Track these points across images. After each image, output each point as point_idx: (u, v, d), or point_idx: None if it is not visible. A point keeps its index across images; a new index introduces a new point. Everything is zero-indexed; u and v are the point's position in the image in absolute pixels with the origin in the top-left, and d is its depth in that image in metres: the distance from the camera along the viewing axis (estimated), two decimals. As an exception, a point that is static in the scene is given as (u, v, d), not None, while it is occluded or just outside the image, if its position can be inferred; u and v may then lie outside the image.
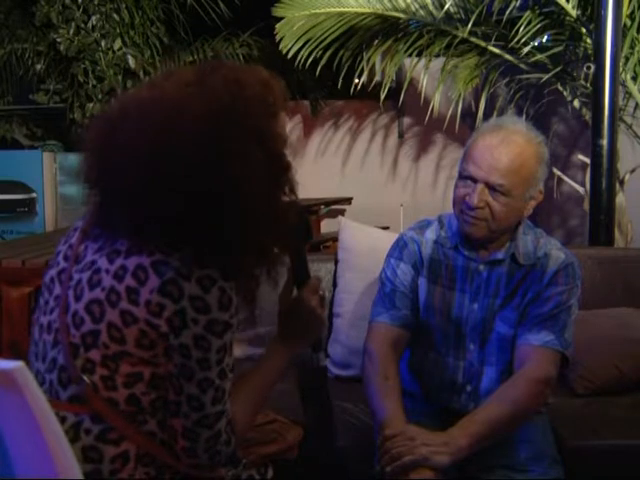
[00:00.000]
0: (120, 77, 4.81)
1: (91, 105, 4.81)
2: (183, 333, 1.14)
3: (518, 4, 3.98)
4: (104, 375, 1.17)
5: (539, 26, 3.94)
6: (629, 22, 3.76)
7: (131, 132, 1.16)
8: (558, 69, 3.94)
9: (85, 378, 1.17)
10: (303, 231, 1.37)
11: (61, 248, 1.30)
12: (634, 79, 3.91)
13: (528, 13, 3.98)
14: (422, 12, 4.24)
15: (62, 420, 1.14)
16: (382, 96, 4.41)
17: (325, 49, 4.31)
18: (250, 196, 1.18)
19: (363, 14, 4.29)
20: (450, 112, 4.26)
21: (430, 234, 1.86)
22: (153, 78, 1.26)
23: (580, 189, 4.14)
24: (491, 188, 1.67)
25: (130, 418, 1.18)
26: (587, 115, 3.97)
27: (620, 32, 3.24)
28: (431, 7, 4.21)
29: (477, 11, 3.99)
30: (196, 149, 1.15)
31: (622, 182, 3.99)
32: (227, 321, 1.17)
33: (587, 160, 3.58)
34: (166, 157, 1.15)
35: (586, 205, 3.86)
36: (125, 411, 1.18)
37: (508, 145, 1.67)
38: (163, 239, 1.17)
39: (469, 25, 4.03)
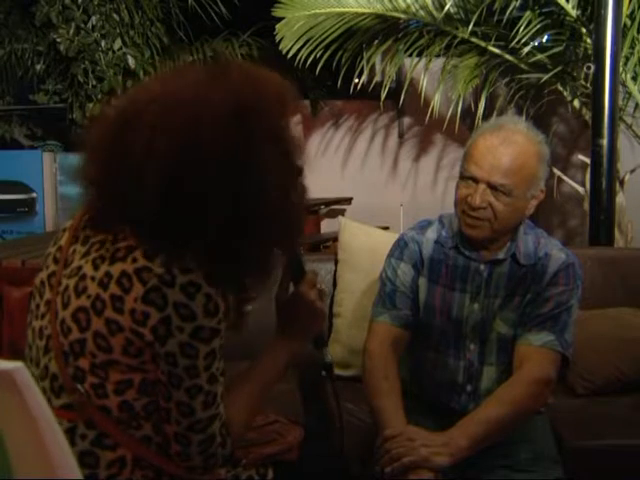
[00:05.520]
0: (120, 77, 4.81)
1: (91, 105, 4.80)
2: (169, 341, 1.12)
3: (518, 4, 3.98)
4: (94, 383, 1.15)
5: (539, 26, 3.94)
6: (629, 22, 3.76)
7: (150, 129, 1.13)
8: (558, 69, 3.94)
9: (79, 387, 1.15)
10: (297, 227, 1.36)
11: (51, 250, 1.28)
12: (634, 79, 3.91)
13: (528, 13, 3.98)
14: (422, 12, 4.23)
15: None
16: (382, 96, 4.41)
17: (325, 49, 4.30)
18: (267, 195, 1.16)
19: (363, 14, 4.28)
20: (450, 112, 4.26)
21: (431, 234, 1.86)
22: (161, 75, 1.23)
23: (580, 189, 4.14)
24: (493, 188, 1.67)
25: (124, 424, 1.17)
26: (587, 115, 3.97)
27: (620, 32, 3.24)
28: (431, 7, 4.21)
29: (477, 11, 3.99)
30: (222, 145, 1.13)
31: (622, 182, 3.99)
32: (214, 327, 1.14)
33: (587, 160, 3.58)
34: (189, 153, 1.12)
35: (586, 205, 3.86)
36: (118, 418, 1.16)
37: (509, 145, 1.67)
38: (169, 240, 1.15)
39: (469, 25, 4.03)
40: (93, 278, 1.16)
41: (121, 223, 1.18)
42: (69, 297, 1.18)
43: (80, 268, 1.18)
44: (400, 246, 1.88)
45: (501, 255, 1.78)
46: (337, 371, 2.29)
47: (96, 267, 1.16)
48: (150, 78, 1.45)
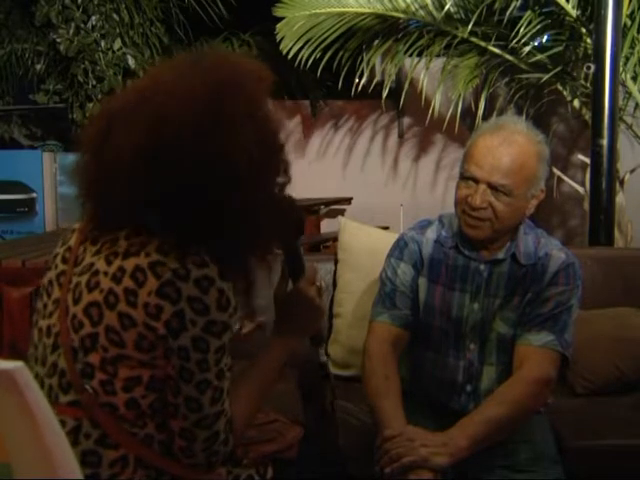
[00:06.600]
0: (120, 77, 4.81)
1: (91, 105, 4.80)
2: (182, 335, 1.13)
3: (518, 4, 3.98)
4: (103, 379, 1.15)
5: (539, 26, 3.94)
6: (629, 22, 3.77)
7: (130, 118, 1.15)
8: (558, 69, 3.94)
9: (87, 386, 1.16)
10: (295, 223, 1.35)
11: (59, 250, 1.28)
12: (634, 79, 3.91)
13: (528, 13, 3.98)
14: (422, 12, 4.24)
15: (61, 424, 1.13)
16: (384, 97, 4.41)
17: (325, 49, 4.30)
18: (241, 177, 1.16)
19: (363, 14, 4.29)
20: (450, 112, 4.26)
21: (431, 234, 1.86)
22: (150, 69, 1.27)
23: (580, 189, 4.14)
24: (493, 188, 1.67)
25: (129, 423, 1.17)
26: (587, 115, 3.97)
27: (620, 32, 3.24)
28: (431, 7, 4.21)
29: (477, 11, 3.99)
30: (195, 119, 1.13)
31: (622, 182, 4.00)
32: (225, 321, 1.15)
33: (587, 160, 3.58)
34: (167, 129, 1.13)
35: (586, 205, 3.86)
36: (124, 416, 1.16)
37: (509, 145, 1.67)
38: (161, 224, 1.16)
39: (469, 25, 4.03)
40: (106, 273, 1.16)
41: (129, 222, 1.19)
42: (80, 293, 1.18)
43: (92, 265, 1.19)
44: (400, 246, 1.88)
45: (501, 255, 1.78)
46: (337, 371, 2.31)
47: (109, 263, 1.17)
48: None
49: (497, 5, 4.01)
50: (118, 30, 4.83)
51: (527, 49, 3.94)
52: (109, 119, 1.20)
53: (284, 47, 4.30)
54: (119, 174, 1.15)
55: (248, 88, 1.20)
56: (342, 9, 4.28)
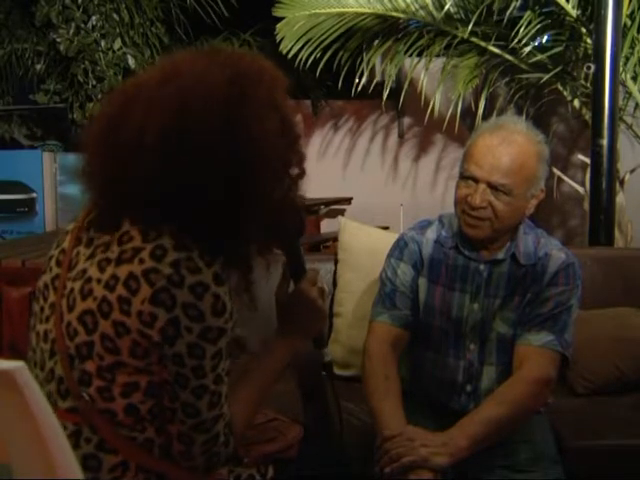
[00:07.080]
0: (120, 77, 4.81)
1: (91, 105, 4.80)
2: (177, 342, 1.11)
3: (518, 4, 3.98)
4: (100, 386, 1.15)
5: (539, 26, 3.94)
6: (629, 22, 3.77)
7: (144, 105, 1.13)
8: (558, 69, 3.94)
9: (84, 394, 1.15)
10: (297, 224, 1.35)
11: (53, 253, 1.26)
12: (634, 79, 3.91)
13: (528, 13, 3.98)
14: (422, 12, 4.24)
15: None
16: (384, 97, 4.41)
17: (325, 49, 4.30)
18: (267, 164, 1.16)
19: (363, 14, 4.28)
20: (450, 112, 4.26)
21: (431, 234, 1.86)
22: (156, 64, 1.25)
23: (580, 189, 4.14)
24: (493, 188, 1.67)
25: (128, 428, 1.16)
26: (587, 115, 3.97)
27: (620, 32, 3.24)
28: (431, 7, 4.21)
29: (477, 11, 3.99)
30: (217, 115, 1.12)
31: (622, 182, 3.99)
32: (221, 327, 1.13)
33: (587, 160, 3.58)
34: (184, 119, 1.11)
35: (586, 205, 3.86)
36: (123, 422, 1.16)
37: (509, 145, 1.67)
38: (170, 220, 1.14)
39: (469, 25, 4.03)
40: (99, 280, 1.15)
41: (126, 220, 1.17)
42: (74, 300, 1.17)
43: (85, 271, 1.17)
44: (400, 246, 1.88)
45: (501, 255, 1.78)
46: (337, 371, 2.30)
47: (102, 269, 1.15)
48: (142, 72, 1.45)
49: (497, 5, 4.01)
50: (118, 30, 4.83)
51: (527, 49, 3.94)
52: (126, 99, 1.18)
53: (284, 47, 4.30)
54: (136, 153, 1.13)
55: (267, 80, 1.20)
56: (342, 9, 4.27)
